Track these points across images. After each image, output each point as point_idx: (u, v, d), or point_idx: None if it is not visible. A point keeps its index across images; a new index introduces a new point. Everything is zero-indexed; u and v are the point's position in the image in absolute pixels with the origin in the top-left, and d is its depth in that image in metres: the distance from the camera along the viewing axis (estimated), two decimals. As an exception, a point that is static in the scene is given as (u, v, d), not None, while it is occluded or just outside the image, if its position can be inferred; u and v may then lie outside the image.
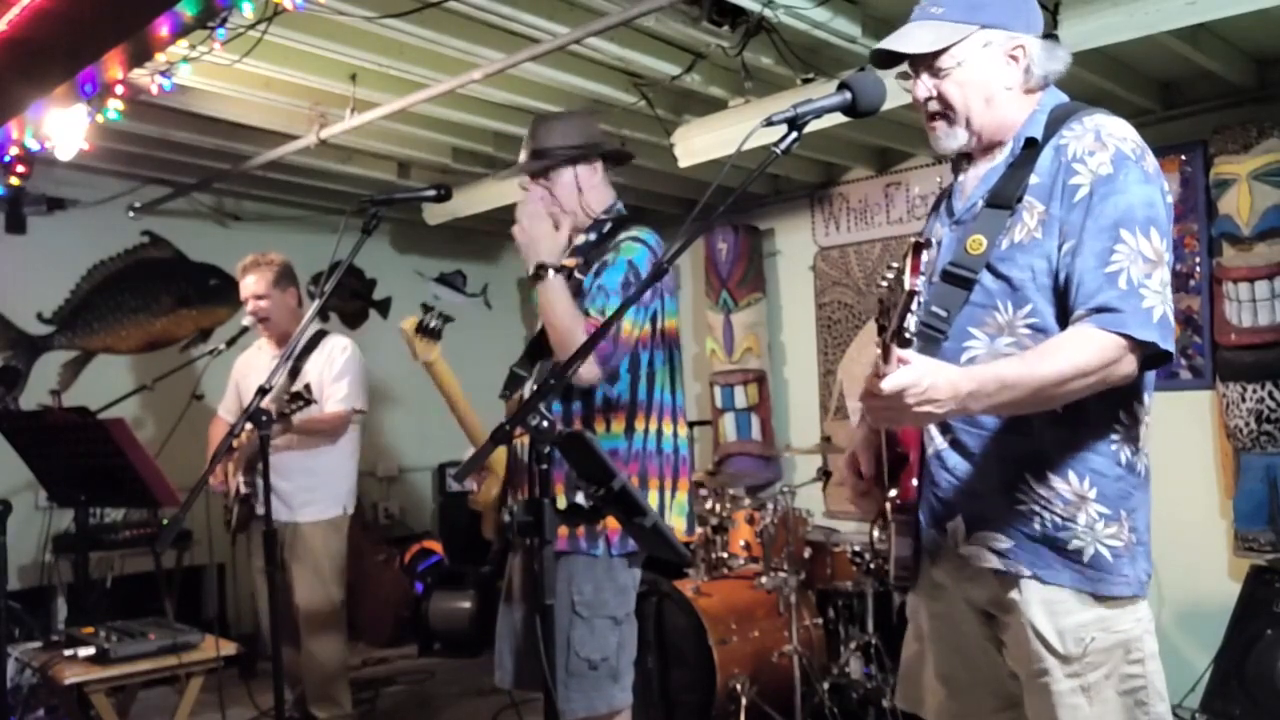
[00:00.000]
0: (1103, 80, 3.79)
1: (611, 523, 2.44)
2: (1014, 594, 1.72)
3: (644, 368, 2.57)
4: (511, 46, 3.51)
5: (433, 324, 2.37)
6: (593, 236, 2.67)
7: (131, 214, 5.44)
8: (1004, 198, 1.75)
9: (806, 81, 3.79)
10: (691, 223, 1.89)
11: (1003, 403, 1.60)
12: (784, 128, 1.73)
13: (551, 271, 2.43)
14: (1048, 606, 1.70)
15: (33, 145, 3.78)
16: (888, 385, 1.49)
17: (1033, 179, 1.73)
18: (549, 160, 2.62)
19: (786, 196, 5.63)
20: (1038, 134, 1.77)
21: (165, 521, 4.82)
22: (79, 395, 4.97)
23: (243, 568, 4.07)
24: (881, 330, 1.50)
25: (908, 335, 1.47)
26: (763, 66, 3.76)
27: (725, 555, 4.26)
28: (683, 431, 2.67)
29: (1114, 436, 1.72)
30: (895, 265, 1.48)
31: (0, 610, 3.13)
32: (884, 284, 1.46)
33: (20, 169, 4.29)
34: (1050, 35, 3.23)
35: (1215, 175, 3.93)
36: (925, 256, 1.44)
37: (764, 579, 3.97)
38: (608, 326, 1.96)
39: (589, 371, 2.45)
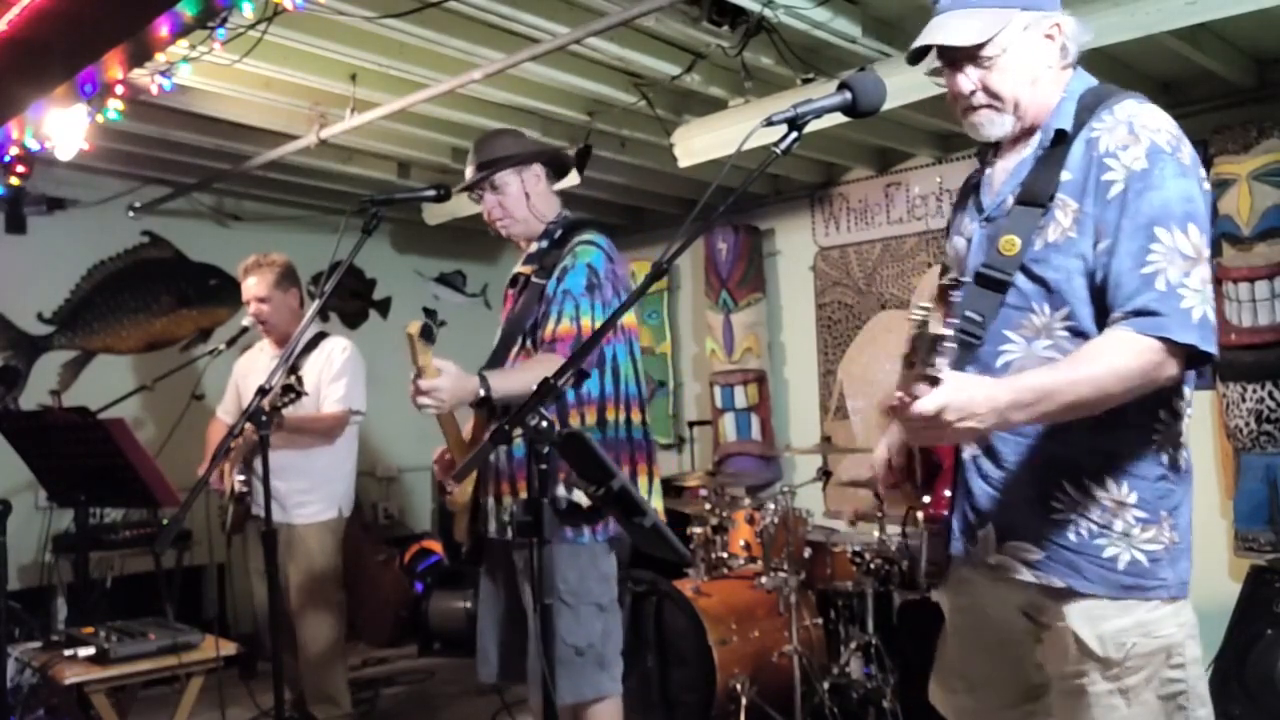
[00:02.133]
0: (1103, 80, 3.78)
1: None
2: (1051, 600, 1.70)
3: (609, 362, 2.69)
4: (511, 46, 3.51)
5: (434, 329, 2.43)
6: (545, 244, 2.80)
7: (131, 214, 5.44)
8: (1036, 195, 1.70)
9: (806, 81, 3.79)
10: (691, 223, 1.89)
11: (1044, 413, 1.57)
12: (784, 128, 1.72)
13: (488, 385, 2.48)
14: (1087, 613, 1.67)
15: (33, 145, 3.78)
16: (928, 405, 1.46)
17: (1064, 175, 1.68)
18: (495, 168, 2.74)
19: (786, 196, 5.63)
20: (1067, 125, 1.71)
21: (165, 521, 4.81)
22: (79, 395, 4.98)
23: (240, 568, 4.07)
24: (910, 366, 1.48)
25: (935, 375, 1.46)
26: (763, 66, 3.76)
27: (725, 555, 4.25)
28: (646, 419, 2.80)
29: (1155, 437, 1.68)
30: (925, 306, 1.45)
31: (0, 610, 3.13)
32: (915, 320, 1.43)
33: (20, 169, 4.29)
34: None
35: (1215, 175, 3.93)
36: (955, 298, 1.41)
37: (764, 579, 3.96)
38: (594, 341, 2.02)
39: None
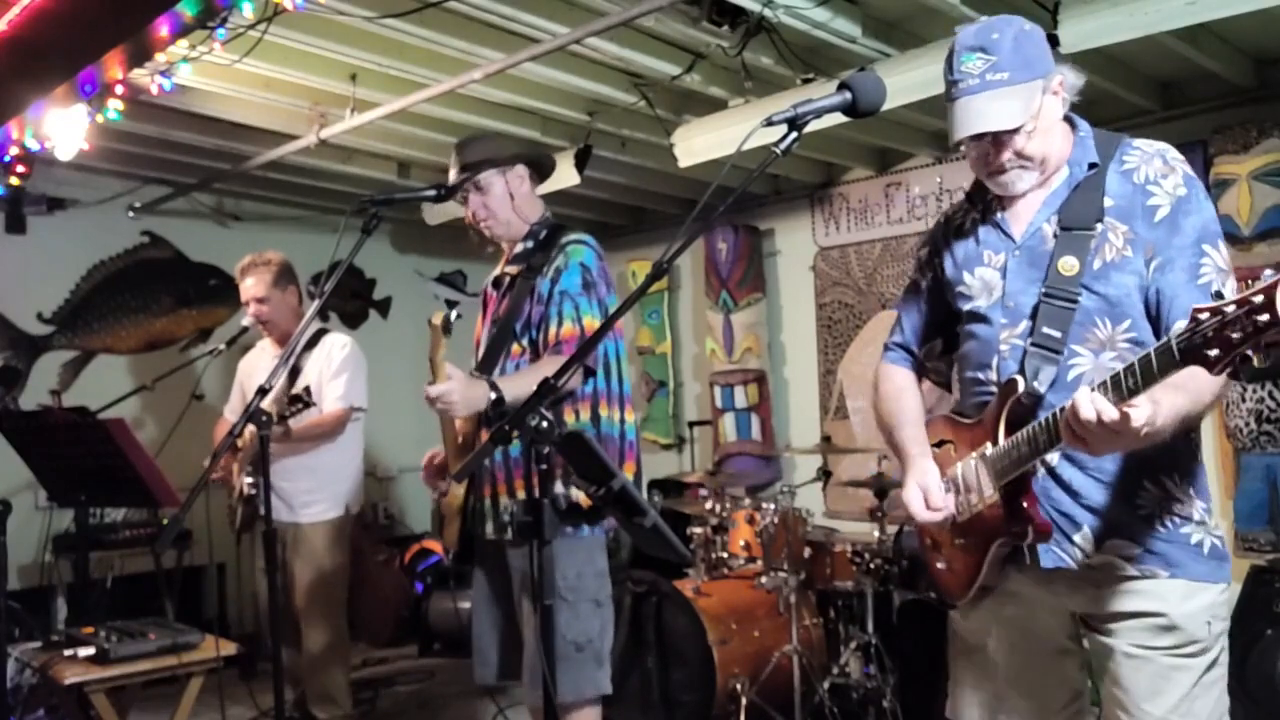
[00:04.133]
0: (1103, 80, 3.78)
1: None
2: (1140, 585, 1.78)
3: (601, 360, 2.71)
4: (511, 46, 3.51)
5: (452, 322, 2.47)
6: (530, 244, 2.82)
7: (131, 214, 5.45)
8: (1079, 220, 1.83)
9: (806, 81, 3.79)
10: (691, 223, 1.89)
11: (1178, 431, 1.65)
12: (784, 128, 1.74)
13: (500, 392, 2.51)
14: (1180, 591, 1.78)
15: (33, 145, 3.79)
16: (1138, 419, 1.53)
17: (1107, 201, 1.82)
18: (479, 168, 2.75)
19: (786, 196, 5.63)
20: (1097, 159, 1.86)
21: (165, 521, 4.82)
22: (79, 395, 4.98)
23: (246, 568, 4.06)
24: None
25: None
26: (763, 66, 3.76)
27: (725, 555, 4.25)
28: (635, 418, 2.83)
29: (1193, 434, 1.81)
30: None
31: (0, 610, 3.13)
32: None
33: (20, 169, 4.29)
34: (1050, 36, 3.25)
35: (1215, 175, 3.93)
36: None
37: (764, 579, 3.97)
38: (596, 340, 2.05)
39: (574, 379, 2.60)
